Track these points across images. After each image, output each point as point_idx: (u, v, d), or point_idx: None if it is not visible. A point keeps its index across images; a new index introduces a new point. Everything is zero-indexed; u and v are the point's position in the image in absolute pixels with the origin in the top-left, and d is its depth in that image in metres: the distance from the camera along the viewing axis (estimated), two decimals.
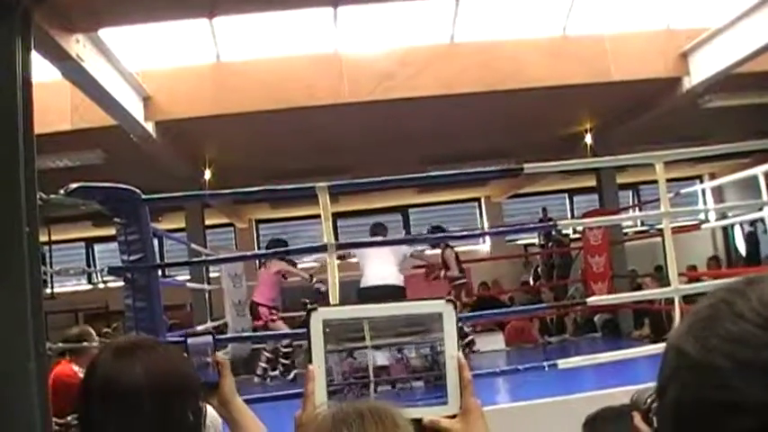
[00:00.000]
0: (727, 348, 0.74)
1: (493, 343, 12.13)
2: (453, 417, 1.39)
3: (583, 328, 13.12)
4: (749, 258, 17.55)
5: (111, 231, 5.19)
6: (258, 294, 10.87)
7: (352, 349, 1.45)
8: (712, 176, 18.58)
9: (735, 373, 0.73)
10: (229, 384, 1.92)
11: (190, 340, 1.85)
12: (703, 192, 17.83)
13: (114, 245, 5.09)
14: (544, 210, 16.71)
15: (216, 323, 10.81)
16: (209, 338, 1.87)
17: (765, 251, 16.24)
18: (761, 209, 9.17)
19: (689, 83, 10.61)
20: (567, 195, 19.19)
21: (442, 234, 9.17)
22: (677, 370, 0.79)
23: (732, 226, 16.22)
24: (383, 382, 1.49)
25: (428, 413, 1.39)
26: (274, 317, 10.86)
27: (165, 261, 14.62)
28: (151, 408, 1.55)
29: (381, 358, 1.52)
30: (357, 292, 8.87)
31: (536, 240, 17.10)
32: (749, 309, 0.75)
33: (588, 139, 12.83)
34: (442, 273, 10.97)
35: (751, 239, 17.72)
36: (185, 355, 1.83)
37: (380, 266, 9.01)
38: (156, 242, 7.45)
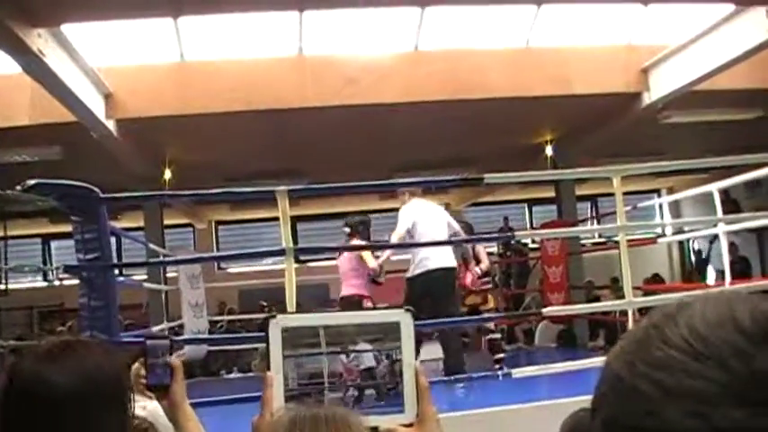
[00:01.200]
0: (654, 375, 0.74)
1: (434, 352, 12.14)
2: (410, 425, 1.39)
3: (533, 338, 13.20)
4: (697, 274, 17.90)
5: (69, 228, 5.13)
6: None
7: (308, 355, 1.46)
8: (670, 190, 18.83)
9: (660, 400, 0.73)
10: (180, 388, 1.91)
11: (149, 342, 1.85)
12: (660, 206, 18.05)
13: (71, 241, 5.03)
14: (506, 219, 16.82)
15: (172, 324, 10.74)
16: (166, 342, 1.87)
17: (717, 266, 16.45)
18: (715, 225, 9.30)
19: (648, 98, 10.76)
20: (526, 205, 19.34)
21: (397, 243, 8.62)
22: (607, 392, 0.79)
23: (688, 240, 16.42)
24: (340, 389, 1.49)
25: (385, 421, 1.40)
26: None
27: (123, 260, 14.53)
28: (72, 416, 1.49)
29: (339, 365, 1.54)
30: (419, 277, 7.94)
31: (495, 249, 17.19)
32: (677, 335, 0.74)
33: (549, 150, 12.95)
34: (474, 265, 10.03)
35: (699, 256, 18.08)
36: (131, 357, 1.82)
37: (441, 247, 8.12)
38: (113, 240, 7.39)
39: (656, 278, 17.06)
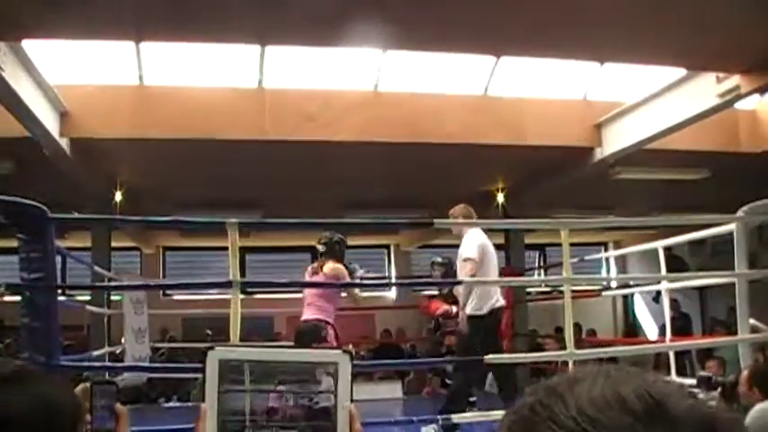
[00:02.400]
0: None
1: (391, 391, 12.19)
2: None
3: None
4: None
5: (13, 243, 5.08)
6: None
7: (234, 391, 1.46)
8: (617, 243, 19.08)
9: None
10: None
11: (96, 386, 1.84)
12: (607, 259, 18.28)
13: (15, 257, 4.98)
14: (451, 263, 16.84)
15: (114, 348, 10.61)
16: (113, 387, 1.86)
17: (660, 321, 16.68)
18: (659, 282, 9.47)
19: (601, 153, 10.97)
20: None
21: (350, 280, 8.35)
22: None
23: (632, 294, 16.62)
24: (265, 427, 1.49)
25: None
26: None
27: (67, 280, 14.33)
28: None
29: (274, 401, 1.54)
30: (490, 315, 7.60)
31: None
32: (565, 414, 0.75)
33: (501, 197, 13.09)
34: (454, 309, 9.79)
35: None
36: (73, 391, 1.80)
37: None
38: (58, 259, 7.31)
39: (591, 333, 17.29)
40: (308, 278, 8.03)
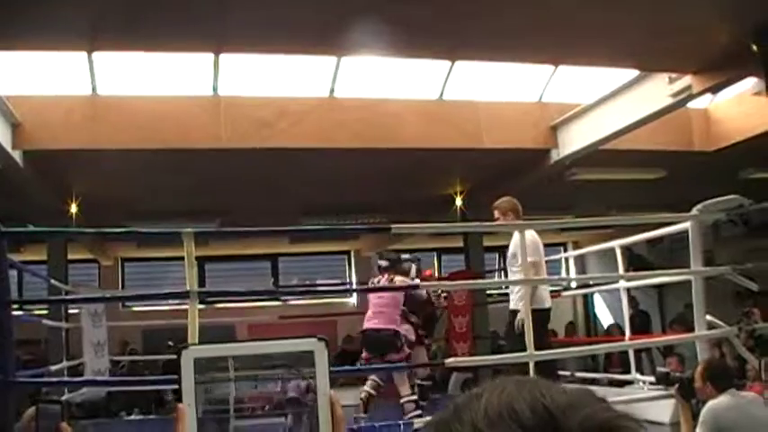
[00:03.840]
0: None
1: (353, 398, 12.14)
2: None
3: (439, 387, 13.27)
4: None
5: None
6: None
7: (212, 382, 1.43)
8: (576, 244, 19.23)
9: None
10: None
11: (41, 405, 1.81)
12: (566, 260, 18.40)
13: None
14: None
15: (72, 362, 10.47)
16: (57, 407, 1.82)
17: (617, 320, 16.86)
18: (617, 281, 9.56)
19: (557, 155, 11.06)
20: (435, 253, 19.49)
21: (307, 287, 8.54)
22: None
23: (591, 294, 16.76)
24: (248, 415, 1.46)
25: None
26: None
27: (24, 294, 14.15)
28: None
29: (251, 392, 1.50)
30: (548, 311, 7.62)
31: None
32: None
33: (459, 201, 13.14)
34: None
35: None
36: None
37: None
38: (14, 274, 7.23)
39: (572, 327, 17.48)
40: (387, 298, 8.41)
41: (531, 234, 7.46)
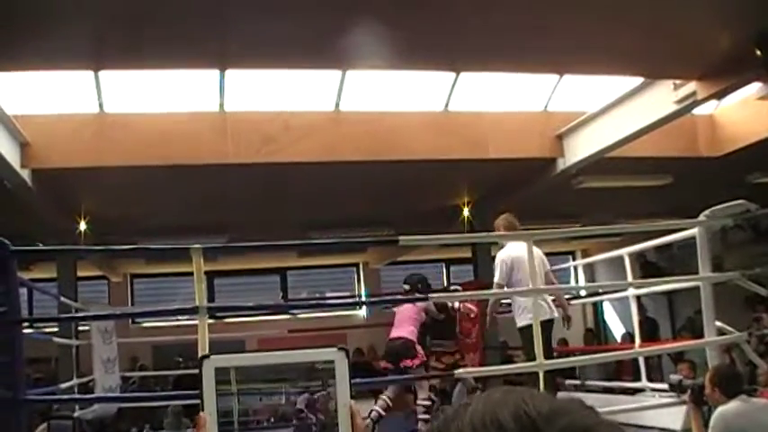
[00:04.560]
0: None
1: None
2: None
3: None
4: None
5: None
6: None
7: (226, 394, 1.43)
8: (585, 252, 19.21)
9: None
10: None
11: (52, 422, 1.82)
12: (575, 268, 18.38)
13: None
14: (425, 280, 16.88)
15: (83, 380, 10.48)
16: (69, 422, 1.84)
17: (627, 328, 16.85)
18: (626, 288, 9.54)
19: (563, 164, 11.06)
20: (443, 264, 19.49)
21: (317, 300, 8.79)
22: None
23: (601, 302, 16.72)
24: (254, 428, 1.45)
25: None
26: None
27: (34, 311, 14.19)
28: None
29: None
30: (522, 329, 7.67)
31: None
32: None
33: (466, 211, 13.14)
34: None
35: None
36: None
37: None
38: (24, 291, 7.27)
39: (591, 333, 17.46)
40: (406, 312, 9.00)
41: (505, 248, 8.10)
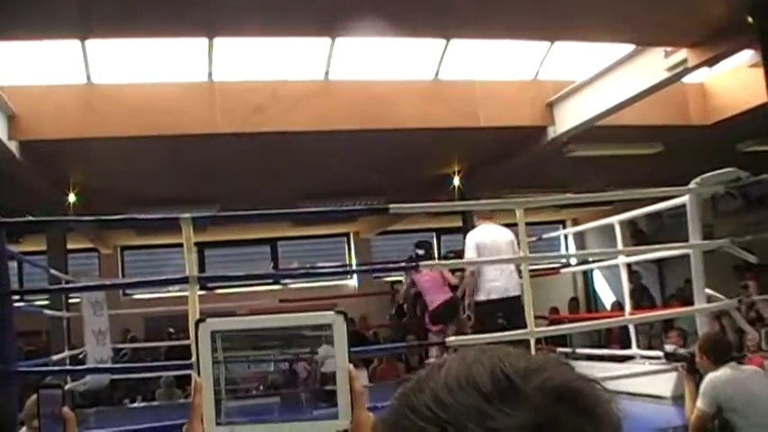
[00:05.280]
0: None
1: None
2: (344, 431, 1.35)
3: None
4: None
5: None
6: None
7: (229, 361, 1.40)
8: (575, 221, 19.25)
9: None
10: None
11: (42, 391, 1.80)
12: (565, 237, 18.43)
13: None
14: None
15: (74, 352, 10.48)
16: (58, 391, 1.81)
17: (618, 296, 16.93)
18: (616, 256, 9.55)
19: (554, 132, 11.05)
20: (434, 234, 19.50)
21: (309, 269, 8.95)
22: None
23: (591, 270, 16.77)
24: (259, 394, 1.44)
25: (318, 427, 1.37)
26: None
27: (24, 284, 14.15)
28: None
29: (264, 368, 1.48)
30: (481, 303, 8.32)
31: (403, 278, 17.24)
32: (422, 403, 0.76)
33: (456, 180, 13.13)
34: None
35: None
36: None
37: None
38: (14, 265, 7.24)
39: (575, 303, 17.55)
40: (438, 278, 9.67)
41: (472, 233, 8.66)
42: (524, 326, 7.75)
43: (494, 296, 8.22)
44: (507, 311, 8.04)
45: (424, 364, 8.18)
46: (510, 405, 0.73)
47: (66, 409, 1.84)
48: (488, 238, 8.45)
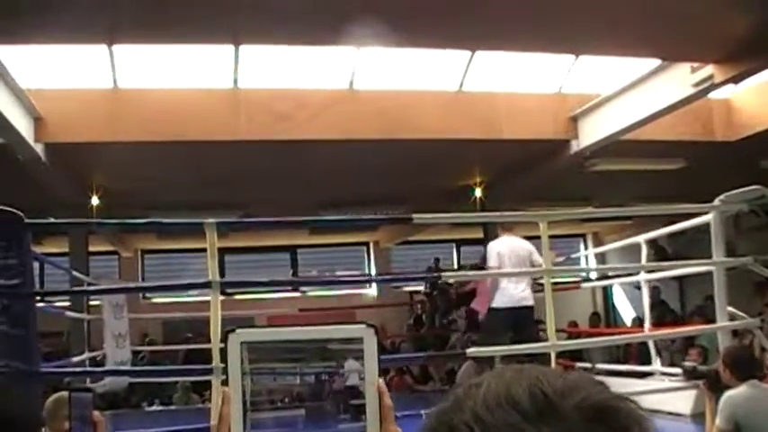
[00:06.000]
0: None
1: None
2: None
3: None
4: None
5: None
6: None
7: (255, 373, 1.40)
8: (595, 235, 19.17)
9: None
10: None
11: (73, 394, 1.81)
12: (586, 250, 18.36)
13: None
14: (437, 260, 16.91)
15: (94, 354, 10.54)
16: (89, 395, 1.82)
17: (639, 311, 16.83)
18: (638, 273, 9.51)
19: (577, 146, 11.02)
20: (454, 245, 19.47)
21: (329, 278, 9.03)
22: None
23: (611, 285, 16.67)
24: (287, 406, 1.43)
25: None
26: None
27: (45, 286, 14.23)
28: None
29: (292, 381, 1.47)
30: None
31: (422, 288, 17.23)
32: (461, 422, 0.77)
33: (478, 192, 13.12)
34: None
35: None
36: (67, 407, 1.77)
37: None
38: (36, 265, 7.28)
39: (596, 317, 17.46)
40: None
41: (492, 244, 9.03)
42: (534, 336, 8.06)
43: (509, 305, 8.48)
44: (519, 320, 8.42)
45: (429, 378, 8.41)
46: (548, 423, 0.74)
47: (97, 413, 1.85)
48: (508, 247, 8.73)
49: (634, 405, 0.80)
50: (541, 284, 7.05)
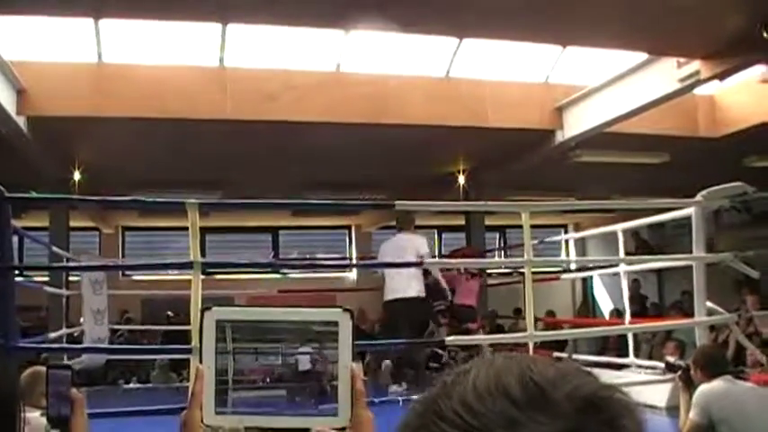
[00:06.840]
0: None
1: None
2: (343, 429, 1.33)
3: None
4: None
5: None
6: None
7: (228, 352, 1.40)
8: (577, 226, 19.23)
9: None
10: (81, 423, 1.85)
11: (50, 370, 1.79)
12: (566, 241, 18.39)
13: None
14: None
15: (72, 330, 10.50)
16: (68, 372, 1.81)
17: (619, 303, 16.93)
18: (617, 264, 9.56)
19: (561, 136, 11.05)
20: (436, 231, 19.49)
21: (310, 261, 9.23)
22: None
23: (591, 277, 16.74)
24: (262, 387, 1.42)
25: (317, 423, 1.36)
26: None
27: (24, 260, 14.14)
28: None
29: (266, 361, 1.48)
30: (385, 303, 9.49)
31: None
32: (450, 409, 0.76)
33: (462, 179, 13.13)
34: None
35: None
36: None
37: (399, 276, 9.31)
38: (15, 240, 7.24)
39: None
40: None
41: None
42: (425, 326, 9.78)
43: (388, 297, 9.39)
44: (401, 311, 9.13)
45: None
46: (540, 412, 0.73)
47: (75, 391, 1.84)
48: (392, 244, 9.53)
49: (623, 396, 0.80)
50: (522, 274, 7.08)
